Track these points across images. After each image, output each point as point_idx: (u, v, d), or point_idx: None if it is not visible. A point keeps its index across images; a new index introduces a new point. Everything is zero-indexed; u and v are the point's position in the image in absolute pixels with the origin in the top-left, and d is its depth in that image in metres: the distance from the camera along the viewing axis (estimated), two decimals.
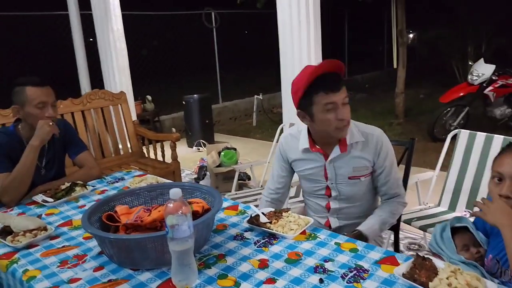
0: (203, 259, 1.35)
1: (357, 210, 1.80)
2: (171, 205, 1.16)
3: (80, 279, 1.28)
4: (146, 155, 3.79)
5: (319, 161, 1.73)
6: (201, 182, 4.19)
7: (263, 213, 1.59)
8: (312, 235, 1.47)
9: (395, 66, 7.61)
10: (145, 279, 1.25)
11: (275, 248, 1.39)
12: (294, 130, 1.81)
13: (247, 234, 1.51)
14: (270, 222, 1.52)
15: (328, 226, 1.83)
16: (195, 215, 1.36)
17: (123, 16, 4.61)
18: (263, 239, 1.46)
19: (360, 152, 1.68)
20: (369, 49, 12.59)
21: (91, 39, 5.17)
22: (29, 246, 1.49)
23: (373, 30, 11.92)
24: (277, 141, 3.21)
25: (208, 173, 4.16)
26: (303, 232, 1.47)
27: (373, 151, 1.68)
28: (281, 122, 3.32)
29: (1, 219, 1.58)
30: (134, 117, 4.31)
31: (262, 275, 1.24)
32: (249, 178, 4.21)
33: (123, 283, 1.24)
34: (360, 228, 1.67)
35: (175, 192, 1.16)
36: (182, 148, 5.43)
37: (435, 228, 1.43)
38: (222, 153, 4.01)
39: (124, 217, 1.41)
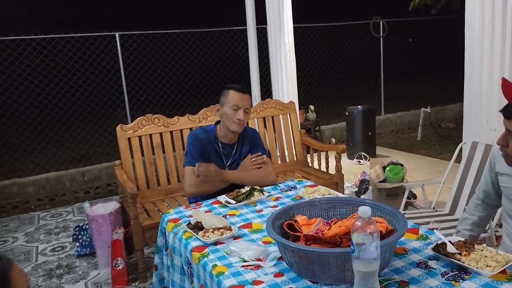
0: (384, 283, 1.27)
1: None
2: (359, 223, 1.13)
3: (262, 282, 1.34)
4: (310, 164, 3.85)
5: None
6: (362, 197, 4.06)
7: (450, 241, 1.44)
8: None
9: None
10: None
11: (468, 285, 1.23)
12: None
13: (431, 263, 1.38)
14: (460, 254, 1.36)
15: None
16: None
17: (294, 28, 4.80)
18: (452, 272, 1.31)
19: None
20: None
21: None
22: (217, 242, 1.64)
23: None
24: (455, 161, 2.91)
25: (370, 187, 4.01)
26: (503, 271, 1.27)
27: None
28: (450, 138, 2.98)
29: (195, 215, 1.78)
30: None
31: None
32: (414, 197, 3.92)
33: None
34: None
35: (365, 211, 1.12)
36: (342, 160, 5.36)
37: None
38: (387, 168, 3.81)
39: (305, 228, 1.44)
